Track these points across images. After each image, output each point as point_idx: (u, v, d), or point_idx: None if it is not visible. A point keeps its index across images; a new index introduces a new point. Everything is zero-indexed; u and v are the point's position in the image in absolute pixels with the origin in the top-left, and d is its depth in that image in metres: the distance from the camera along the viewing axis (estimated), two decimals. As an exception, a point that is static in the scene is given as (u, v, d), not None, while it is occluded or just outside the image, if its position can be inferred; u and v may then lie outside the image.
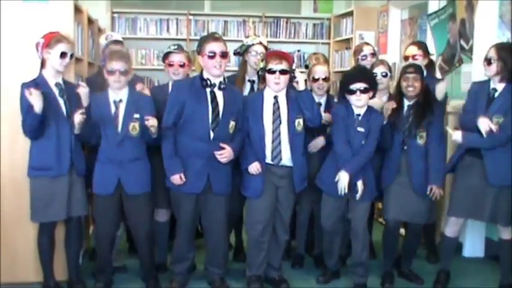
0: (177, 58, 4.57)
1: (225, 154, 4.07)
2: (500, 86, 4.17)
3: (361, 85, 4.14)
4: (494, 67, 4.13)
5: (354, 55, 5.46)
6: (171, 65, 4.58)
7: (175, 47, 4.64)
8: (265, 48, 4.91)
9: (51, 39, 3.96)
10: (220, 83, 4.13)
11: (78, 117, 3.93)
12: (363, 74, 4.27)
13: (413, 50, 5.02)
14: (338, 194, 4.17)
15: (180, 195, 4.17)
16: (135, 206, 4.15)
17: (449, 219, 4.40)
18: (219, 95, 4.12)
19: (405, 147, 4.30)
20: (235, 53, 5.06)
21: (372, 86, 4.21)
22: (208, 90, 4.11)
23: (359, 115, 4.20)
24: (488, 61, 4.15)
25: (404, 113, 4.33)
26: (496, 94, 4.18)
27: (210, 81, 4.11)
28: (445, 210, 5.08)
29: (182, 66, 4.56)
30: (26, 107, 3.85)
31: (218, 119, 4.08)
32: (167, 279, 4.38)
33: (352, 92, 4.16)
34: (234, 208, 4.52)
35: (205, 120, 4.06)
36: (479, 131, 4.09)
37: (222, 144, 4.06)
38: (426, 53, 5.05)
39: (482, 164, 4.16)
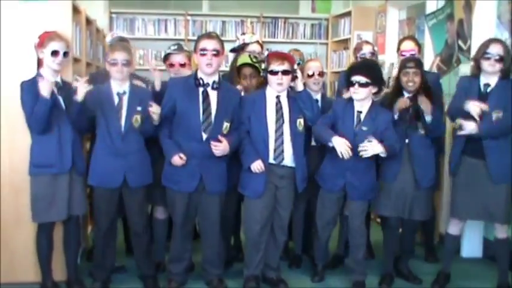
0: (177, 58, 4.59)
1: (219, 147, 4.05)
2: (493, 81, 4.17)
3: (360, 78, 4.11)
4: (502, 65, 4.12)
5: (353, 53, 5.46)
6: (172, 66, 4.60)
7: (175, 47, 4.64)
8: (261, 47, 4.90)
9: (45, 38, 3.95)
10: (214, 82, 4.11)
11: (82, 86, 3.89)
12: (365, 68, 4.22)
13: (410, 45, 5.01)
14: (336, 191, 4.24)
15: (174, 194, 4.18)
16: (135, 198, 4.17)
17: (452, 219, 4.41)
18: (213, 95, 4.11)
19: (407, 141, 4.30)
20: (231, 50, 5.05)
21: (375, 81, 4.15)
22: (200, 89, 4.11)
23: (360, 112, 4.19)
24: (497, 58, 4.11)
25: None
26: (489, 89, 4.18)
27: (203, 80, 4.10)
28: (443, 211, 5.11)
29: (183, 65, 4.58)
30: (32, 98, 3.84)
31: (210, 119, 4.07)
32: (165, 278, 4.38)
33: (352, 84, 4.15)
34: (231, 207, 4.53)
35: (197, 120, 4.07)
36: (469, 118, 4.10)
37: (220, 137, 4.05)
38: (419, 48, 5.07)
39: (482, 164, 4.16)
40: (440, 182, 5.04)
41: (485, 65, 4.16)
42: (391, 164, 4.32)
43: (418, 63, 4.38)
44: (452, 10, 5.76)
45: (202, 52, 4.06)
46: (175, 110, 4.09)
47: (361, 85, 4.11)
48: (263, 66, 4.41)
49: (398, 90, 4.37)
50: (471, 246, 5.26)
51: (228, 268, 4.66)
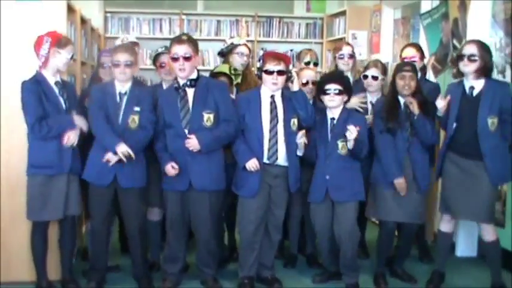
0: (167, 59, 4.58)
1: (189, 143, 4.06)
2: (478, 84, 4.17)
3: (335, 86, 4.23)
4: (476, 64, 4.12)
5: (333, 52, 5.47)
6: (162, 66, 4.61)
7: (163, 48, 4.66)
8: (249, 49, 4.91)
9: (61, 39, 4.00)
10: (189, 80, 4.13)
11: (70, 140, 3.99)
12: (337, 77, 4.40)
13: (411, 51, 5.04)
14: (322, 199, 4.25)
15: (167, 194, 4.21)
16: (129, 199, 4.17)
17: (443, 216, 4.41)
18: (190, 92, 4.15)
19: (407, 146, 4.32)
20: (219, 54, 5.06)
21: (346, 90, 4.29)
22: (179, 90, 4.15)
23: (333, 118, 4.27)
24: (470, 58, 4.13)
25: (402, 110, 4.34)
26: (475, 92, 4.18)
27: (179, 83, 4.15)
28: (437, 210, 5.11)
29: None
30: (35, 99, 3.89)
31: (188, 115, 4.10)
32: (160, 278, 4.38)
33: (326, 93, 4.23)
34: (224, 207, 4.53)
35: (178, 119, 4.11)
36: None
37: (188, 135, 4.07)
38: (422, 55, 5.08)
39: (474, 164, 4.15)
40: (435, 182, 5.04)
41: (461, 65, 4.19)
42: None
43: (414, 68, 4.41)
44: (447, 9, 5.77)
45: (174, 57, 4.09)
46: (164, 117, 4.15)
47: (336, 93, 4.23)
48: (258, 64, 4.43)
49: (394, 95, 4.38)
50: (466, 246, 5.27)
51: (222, 268, 4.66)
